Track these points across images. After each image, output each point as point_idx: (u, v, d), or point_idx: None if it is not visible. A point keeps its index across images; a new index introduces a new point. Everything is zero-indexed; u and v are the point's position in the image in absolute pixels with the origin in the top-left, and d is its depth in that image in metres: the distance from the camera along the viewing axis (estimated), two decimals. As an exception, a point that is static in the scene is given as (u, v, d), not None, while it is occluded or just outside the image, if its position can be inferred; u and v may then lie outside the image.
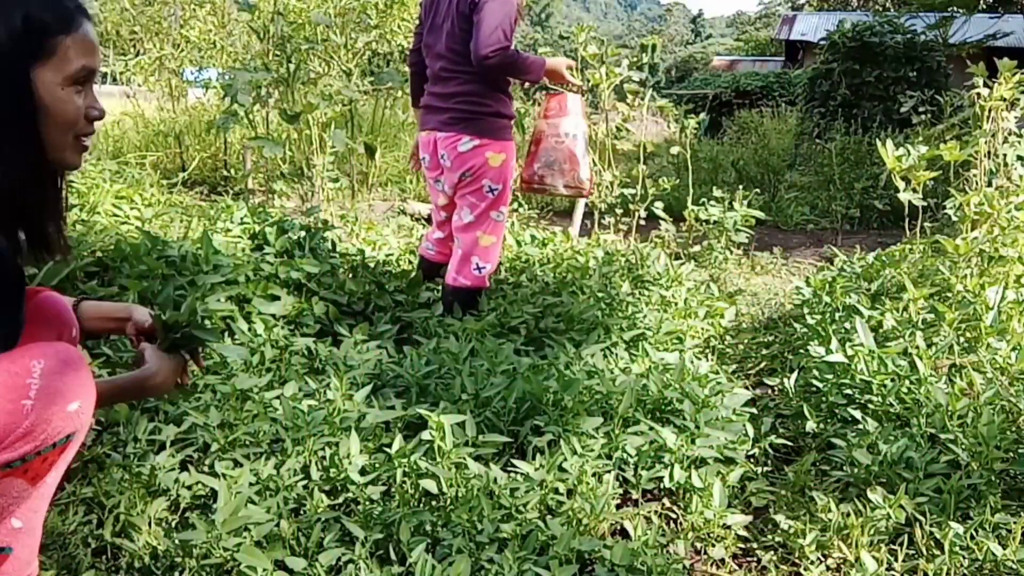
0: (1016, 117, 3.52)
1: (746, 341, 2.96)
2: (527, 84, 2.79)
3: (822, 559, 1.57)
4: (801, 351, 2.56)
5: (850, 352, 2.18)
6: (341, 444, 1.73)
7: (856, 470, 1.79)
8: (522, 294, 2.93)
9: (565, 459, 1.75)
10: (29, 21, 1.02)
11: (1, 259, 1.02)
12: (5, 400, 0.98)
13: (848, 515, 1.60)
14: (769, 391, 2.50)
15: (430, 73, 2.83)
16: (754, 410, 2.11)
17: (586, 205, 4.52)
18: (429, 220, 5.36)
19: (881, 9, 19.08)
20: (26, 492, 1.06)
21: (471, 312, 2.77)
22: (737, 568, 1.59)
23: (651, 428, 1.88)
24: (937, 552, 1.53)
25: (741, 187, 4.64)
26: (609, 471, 1.80)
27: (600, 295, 2.91)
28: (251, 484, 1.61)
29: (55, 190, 1.17)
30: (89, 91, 1.11)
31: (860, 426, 1.93)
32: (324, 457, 1.72)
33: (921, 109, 5.96)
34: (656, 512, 1.75)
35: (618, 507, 1.76)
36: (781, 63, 20.13)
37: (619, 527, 1.68)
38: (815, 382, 2.25)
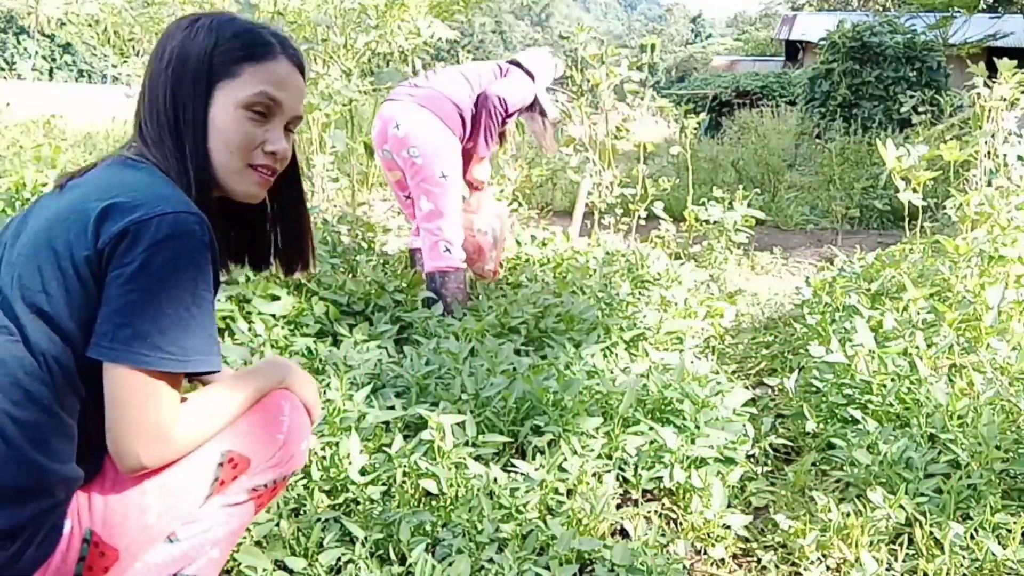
0: (1016, 117, 3.52)
1: (746, 341, 2.96)
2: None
3: (822, 559, 1.57)
4: (801, 351, 2.56)
5: (850, 352, 2.18)
6: (341, 444, 1.73)
7: (856, 470, 1.78)
8: (522, 294, 2.93)
9: (565, 459, 1.75)
10: (222, 42, 1.09)
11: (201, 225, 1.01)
12: (264, 432, 1.12)
13: (848, 515, 1.60)
14: (769, 391, 2.50)
15: None
16: (754, 410, 2.11)
17: (586, 205, 4.53)
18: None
19: (881, 9, 19.08)
20: (248, 518, 1.16)
21: (459, 302, 2.87)
22: (737, 568, 1.59)
23: (651, 428, 1.88)
24: (937, 552, 1.53)
25: (741, 187, 4.64)
26: (609, 471, 1.80)
27: (600, 295, 2.91)
28: (251, 484, 1.61)
29: (231, 211, 1.19)
30: (273, 125, 1.13)
31: (860, 426, 1.93)
32: (324, 457, 1.72)
33: (921, 109, 5.96)
34: (656, 512, 1.75)
35: (618, 507, 1.76)
36: (781, 63, 20.11)
37: (619, 527, 1.68)
38: (815, 382, 2.25)
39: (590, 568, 1.50)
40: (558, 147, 3.88)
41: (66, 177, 1.06)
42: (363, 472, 1.68)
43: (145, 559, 1.04)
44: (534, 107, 3.24)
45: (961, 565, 1.50)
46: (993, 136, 3.44)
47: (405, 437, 1.81)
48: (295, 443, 1.15)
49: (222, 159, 1.09)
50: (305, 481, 1.66)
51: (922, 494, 1.68)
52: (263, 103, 1.10)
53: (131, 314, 0.94)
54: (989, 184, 3.38)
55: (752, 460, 1.95)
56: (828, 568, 1.55)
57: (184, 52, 1.08)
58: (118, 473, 1.00)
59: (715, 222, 4.31)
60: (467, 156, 3.08)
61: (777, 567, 1.57)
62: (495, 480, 1.65)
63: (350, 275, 3.08)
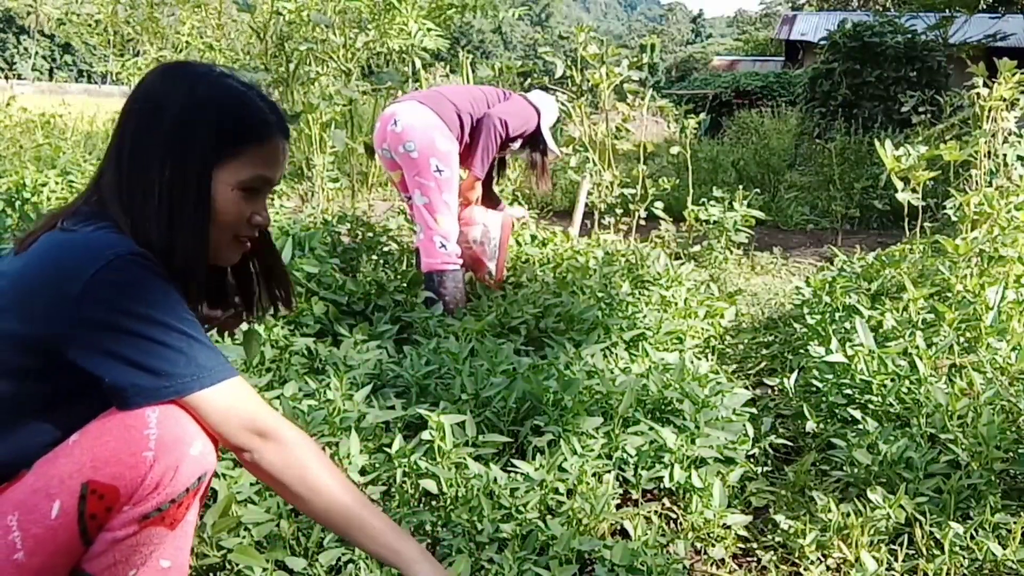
0: (1016, 117, 3.52)
1: (746, 341, 2.96)
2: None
3: (822, 559, 1.57)
4: (801, 351, 2.56)
5: (850, 352, 2.18)
6: (341, 444, 1.73)
7: (856, 470, 1.79)
8: (522, 294, 2.93)
9: (565, 459, 1.75)
10: (227, 122, 1.09)
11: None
12: (126, 455, 0.98)
13: (848, 515, 1.60)
14: (769, 391, 2.50)
15: None
16: (754, 410, 2.11)
17: (586, 205, 4.53)
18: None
19: (881, 9, 19.07)
20: (168, 536, 1.06)
21: (457, 301, 2.88)
22: (737, 568, 1.59)
23: (651, 428, 1.88)
24: (937, 552, 1.53)
25: (741, 187, 4.64)
26: (609, 471, 1.80)
27: (600, 295, 2.91)
28: (251, 484, 1.60)
29: (213, 277, 1.21)
30: (260, 199, 1.15)
31: (860, 426, 1.93)
32: (324, 457, 1.72)
33: (921, 109, 5.95)
34: (656, 512, 1.75)
35: (618, 507, 1.76)
36: (781, 63, 20.12)
37: (619, 527, 1.68)
38: (815, 382, 2.25)
39: (590, 568, 1.50)
40: (553, 186, 3.97)
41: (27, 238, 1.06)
42: (363, 472, 1.68)
43: None
44: (536, 144, 3.26)
45: (961, 565, 1.50)
46: (993, 136, 3.44)
47: (405, 437, 1.80)
48: (171, 456, 1.00)
49: (216, 236, 1.11)
50: (305, 481, 1.66)
51: (922, 494, 1.68)
52: (258, 184, 1.12)
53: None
54: (989, 184, 3.37)
55: (752, 460, 1.95)
56: (828, 568, 1.55)
57: (187, 127, 1.07)
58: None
59: (715, 222, 4.31)
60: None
61: (777, 567, 1.57)
62: (495, 480, 1.65)
63: (350, 275, 3.08)
